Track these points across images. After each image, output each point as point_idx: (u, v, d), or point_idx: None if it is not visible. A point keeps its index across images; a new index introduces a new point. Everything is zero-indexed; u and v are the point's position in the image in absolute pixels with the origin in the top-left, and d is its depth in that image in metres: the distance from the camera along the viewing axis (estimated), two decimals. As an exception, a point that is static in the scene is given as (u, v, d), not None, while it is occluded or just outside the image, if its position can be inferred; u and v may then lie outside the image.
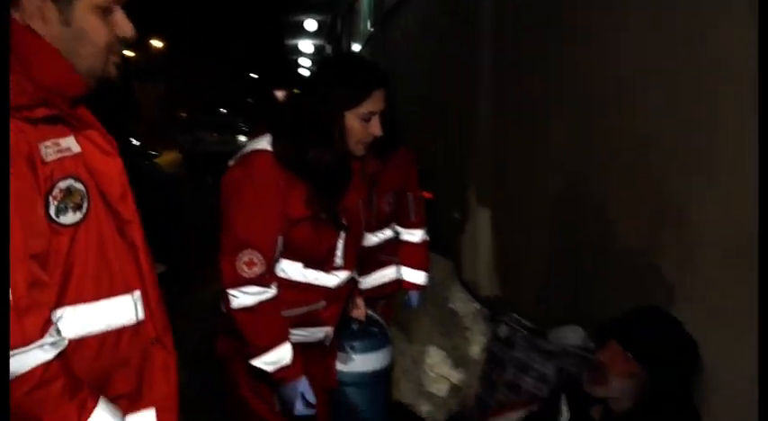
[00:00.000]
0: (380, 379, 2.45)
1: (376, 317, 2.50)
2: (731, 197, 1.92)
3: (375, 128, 1.78)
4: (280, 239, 1.75)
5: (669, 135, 2.19)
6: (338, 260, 1.88)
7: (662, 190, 2.30)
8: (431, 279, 4.25)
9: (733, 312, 1.95)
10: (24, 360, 1.02)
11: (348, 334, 2.46)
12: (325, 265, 1.87)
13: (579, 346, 2.60)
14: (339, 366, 2.31)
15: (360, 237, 1.99)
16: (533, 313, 3.02)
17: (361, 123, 1.76)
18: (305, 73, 30.50)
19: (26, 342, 1.02)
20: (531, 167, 3.65)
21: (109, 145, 1.22)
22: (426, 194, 4.89)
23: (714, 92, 1.92)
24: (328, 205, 1.78)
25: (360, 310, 2.29)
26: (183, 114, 25.81)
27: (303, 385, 1.83)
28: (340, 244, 1.87)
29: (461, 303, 4.06)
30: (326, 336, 2.01)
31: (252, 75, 41.56)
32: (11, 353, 1.00)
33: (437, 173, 4.87)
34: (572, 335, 2.66)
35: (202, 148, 15.57)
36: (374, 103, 1.75)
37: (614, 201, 2.65)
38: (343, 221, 1.83)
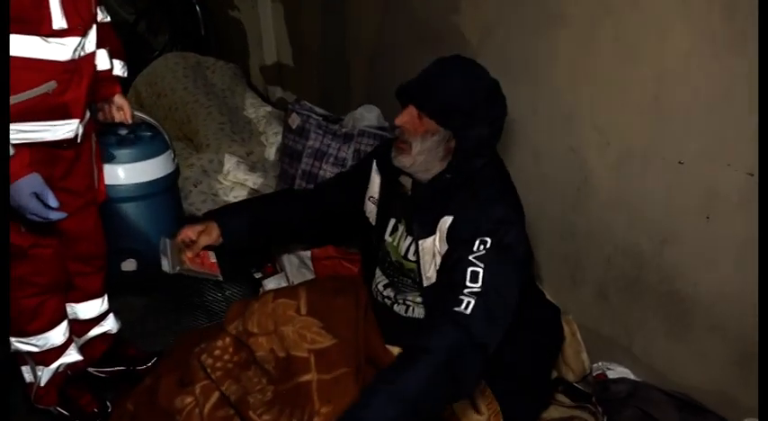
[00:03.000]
0: (162, 190, 2.13)
1: (147, 118, 2.10)
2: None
3: None
4: None
5: None
6: (57, 19, 1.42)
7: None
8: (217, 87, 3.85)
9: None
10: None
11: (114, 141, 2.06)
12: (40, 28, 1.40)
13: (375, 126, 2.48)
14: (109, 180, 1.94)
15: None
16: (329, 106, 2.81)
17: None
18: None
19: None
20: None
21: None
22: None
23: None
24: None
25: (124, 111, 1.83)
26: None
27: (35, 183, 1.42)
28: None
29: (253, 108, 3.77)
30: (76, 134, 1.59)
31: None
32: None
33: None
34: (368, 115, 2.51)
35: None
36: None
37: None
38: None
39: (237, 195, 3.05)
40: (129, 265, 2.14)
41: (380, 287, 1.70)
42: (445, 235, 1.43)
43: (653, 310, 1.70)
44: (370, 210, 1.69)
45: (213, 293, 2.54)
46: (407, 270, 1.62)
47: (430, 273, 1.51)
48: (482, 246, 1.35)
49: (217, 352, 1.75)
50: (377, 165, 1.67)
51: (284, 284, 2.21)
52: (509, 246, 1.38)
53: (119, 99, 1.81)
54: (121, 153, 2.02)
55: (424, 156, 1.47)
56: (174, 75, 3.67)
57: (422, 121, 1.45)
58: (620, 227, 1.74)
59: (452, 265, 1.38)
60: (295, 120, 2.50)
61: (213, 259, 1.73)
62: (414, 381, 1.23)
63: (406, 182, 1.59)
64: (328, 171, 2.41)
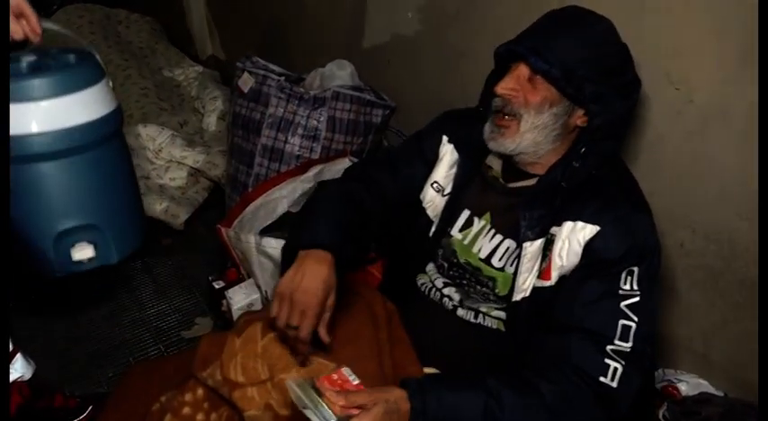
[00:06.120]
0: (100, 137, 1.46)
1: (67, 32, 1.46)
2: None
3: None
4: None
5: None
6: None
7: None
8: (133, 45, 3.23)
9: None
10: None
11: (21, 71, 1.41)
12: None
13: (348, 86, 1.98)
14: (15, 129, 1.33)
15: None
16: (280, 64, 2.27)
17: None
18: None
19: None
20: None
21: None
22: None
23: None
24: None
25: (29, 23, 1.24)
26: None
27: None
28: None
29: (180, 69, 3.21)
30: None
31: None
32: None
33: None
34: (340, 73, 2.02)
35: None
36: None
37: None
38: None
39: (174, 176, 2.51)
40: (82, 252, 1.47)
41: (438, 283, 1.30)
42: (581, 248, 1.08)
43: (749, 310, 1.34)
44: (431, 198, 1.29)
45: (156, 305, 2.04)
46: (486, 278, 1.22)
47: (526, 285, 1.15)
48: (631, 282, 1.05)
49: (186, 409, 1.28)
50: (450, 141, 1.29)
51: (255, 296, 1.73)
52: (655, 275, 1.10)
53: (19, 3, 1.22)
54: (32, 85, 1.35)
55: (534, 134, 1.12)
56: (78, 30, 3.05)
57: (535, 87, 1.10)
58: (704, 205, 1.36)
59: (596, 301, 1.05)
60: (248, 83, 1.97)
61: (354, 379, 0.98)
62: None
63: (496, 164, 1.23)
64: (297, 145, 1.91)
